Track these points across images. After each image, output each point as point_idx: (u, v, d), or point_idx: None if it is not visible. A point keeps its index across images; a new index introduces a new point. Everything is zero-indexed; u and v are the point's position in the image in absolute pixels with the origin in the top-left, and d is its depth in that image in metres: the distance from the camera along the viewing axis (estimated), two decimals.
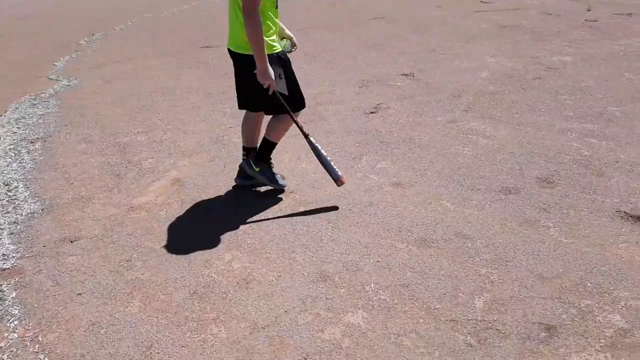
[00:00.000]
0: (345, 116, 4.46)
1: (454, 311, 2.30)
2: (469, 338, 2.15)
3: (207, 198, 3.31)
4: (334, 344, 2.15)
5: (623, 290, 2.36)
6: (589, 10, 7.98)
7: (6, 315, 2.42)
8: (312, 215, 3.06)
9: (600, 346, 2.08)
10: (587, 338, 2.12)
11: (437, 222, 2.94)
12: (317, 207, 3.15)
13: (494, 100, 4.63)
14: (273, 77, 2.87)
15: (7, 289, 2.59)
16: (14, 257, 2.84)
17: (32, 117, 4.88)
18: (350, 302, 2.38)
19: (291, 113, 3.06)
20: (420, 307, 2.33)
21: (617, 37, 6.47)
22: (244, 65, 2.96)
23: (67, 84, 5.84)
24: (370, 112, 4.50)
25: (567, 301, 2.32)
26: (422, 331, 2.20)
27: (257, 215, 3.10)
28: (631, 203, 3.02)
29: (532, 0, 8.83)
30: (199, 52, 6.64)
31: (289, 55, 3.13)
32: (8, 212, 3.29)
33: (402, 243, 2.78)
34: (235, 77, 3.17)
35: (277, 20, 2.98)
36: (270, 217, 3.08)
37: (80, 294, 2.53)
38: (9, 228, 3.11)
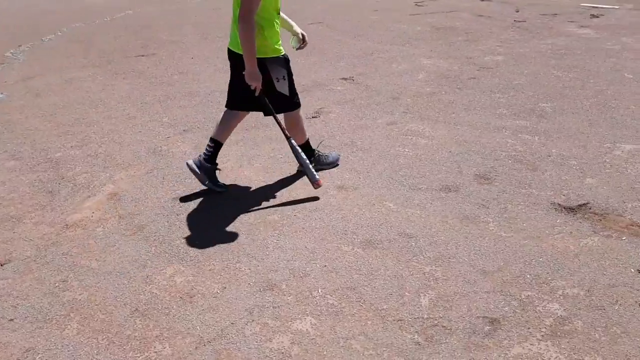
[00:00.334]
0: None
1: (400, 310, 2.31)
2: (416, 336, 2.17)
3: (146, 211, 3.21)
4: (282, 353, 2.12)
5: (560, 280, 2.45)
6: (518, 11, 8.32)
7: None
8: (257, 224, 3.02)
9: (541, 335, 2.14)
10: (528, 328, 2.18)
11: (381, 223, 2.96)
12: (264, 216, 3.11)
13: (432, 101, 4.73)
14: (260, 79, 3.00)
15: None
16: None
17: None
18: (298, 309, 2.35)
19: (275, 114, 3.18)
20: (367, 308, 2.34)
21: (544, 36, 6.77)
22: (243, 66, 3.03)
23: None
24: (312, 117, 4.50)
25: (508, 294, 2.38)
26: (370, 333, 2.20)
27: (199, 227, 3.02)
28: (564, 195, 3.14)
29: (464, 2, 9.11)
30: (134, 61, 6.45)
31: (298, 51, 3.48)
32: None
33: (348, 246, 2.78)
34: (232, 77, 3.26)
35: (279, 25, 3.12)
36: (213, 227, 3.01)
37: (12, 320, 2.38)
38: None
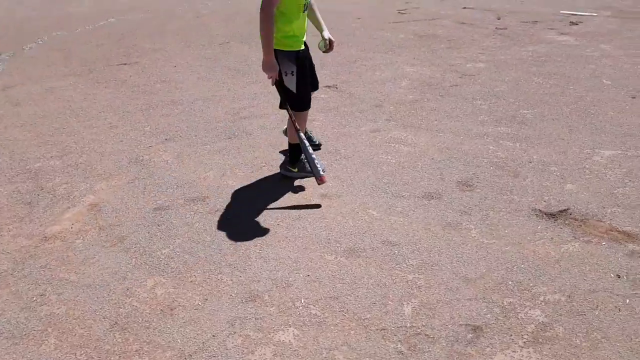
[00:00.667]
0: (271, 130, 4.43)
1: (383, 319, 2.30)
2: (399, 345, 2.16)
3: (126, 222, 3.17)
4: None
5: (541, 286, 2.46)
6: (499, 19, 8.41)
7: None
8: (239, 233, 3.00)
9: (524, 342, 2.15)
10: (511, 335, 2.18)
11: (364, 231, 2.96)
12: (247, 226, 3.09)
13: (414, 108, 4.76)
14: (277, 70, 3.15)
15: None
16: None
17: None
18: (281, 320, 2.33)
19: (289, 108, 3.30)
20: (350, 318, 2.32)
21: (525, 43, 6.85)
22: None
23: None
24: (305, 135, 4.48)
25: (490, 300, 2.39)
26: (353, 343, 2.19)
27: (181, 237, 2.99)
28: (545, 201, 3.17)
29: (446, 10, 9.20)
30: (115, 70, 6.41)
31: (324, 54, 3.59)
32: None
33: (331, 255, 2.77)
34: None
35: (303, 23, 3.24)
36: (195, 237, 2.98)
37: None
38: None
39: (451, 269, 2.61)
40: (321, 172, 3.27)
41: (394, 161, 3.76)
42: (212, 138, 4.30)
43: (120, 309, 2.45)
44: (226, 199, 3.37)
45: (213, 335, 2.26)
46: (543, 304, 2.35)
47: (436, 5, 9.63)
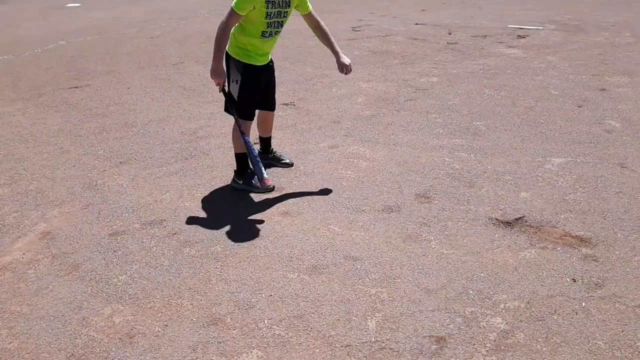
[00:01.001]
0: (229, 149, 4.37)
1: (348, 336, 2.29)
2: None
3: (81, 250, 3.06)
4: None
5: (501, 294, 2.50)
6: (450, 34, 8.64)
7: None
8: (199, 256, 2.94)
9: (486, 350, 2.17)
10: (474, 344, 2.20)
11: (326, 247, 2.95)
12: (206, 248, 3.03)
13: (371, 123, 4.81)
14: (223, 77, 3.35)
15: None
16: None
17: None
18: (244, 343, 2.29)
19: (235, 115, 3.47)
20: (315, 336, 2.30)
21: (476, 57, 7.05)
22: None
23: None
24: (254, 143, 4.46)
25: (453, 310, 2.41)
26: None
27: (138, 263, 2.91)
28: (500, 209, 3.24)
29: (398, 26, 9.39)
30: (66, 93, 6.24)
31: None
32: None
33: (294, 273, 2.75)
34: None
35: (263, 45, 3.44)
36: (153, 262, 2.90)
37: None
38: None
39: (413, 281, 2.62)
40: (265, 176, 3.37)
41: (353, 176, 3.78)
42: (168, 159, 4.23)
43: (77, 340, 2.36)
44: (184, 221, 3.31)
45: None
46: (504, 311, 2.39)
47: (389, 22, 9.83)
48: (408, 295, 2.53)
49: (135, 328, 2.41)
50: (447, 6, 11.43)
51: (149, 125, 5.05)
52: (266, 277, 2.72)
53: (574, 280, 2.57)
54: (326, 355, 2.19)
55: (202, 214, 3.38)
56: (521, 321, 2.32)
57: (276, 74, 3.82)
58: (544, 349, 2.16)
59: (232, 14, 3.20)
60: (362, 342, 2.25)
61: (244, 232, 3.16)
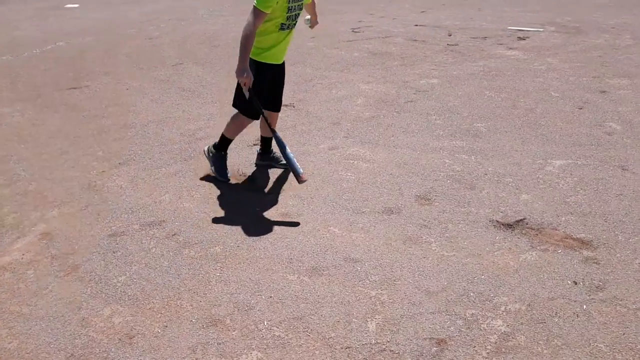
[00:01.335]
0: (228, 150, 4.38)
1: (348, 338, 2.28)
2: None
3: (80, 250, 3.05)
4: None
5: (502, 296, 2.50)
6: (450, 35, 8.64)
7: None
8: (198, 257, 2.93)
9: (487, 353, 2.16)
10: (474, 347, 2.20)
11: (326, 249, 2.94)
12: (206, 249, 3.02)
13: (371, 125, 4.80)
14: (250, 77, 3.31)
15: None
16: None
17: None
18: (244, 344, 2.28)
19: (264, 114, 3.54)
20: (315, 338, 2.29)
21: (476, 58, 7.05)
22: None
23: None
24: (253, 144, 4.46)
25: (453, 313, 2.40)
26: None
27: (138, 263, 2.90)
28: (501, 212, 3.23)
29: (398, 28, 9.39)
30: (65, 94, 6.23)
31: (307, 27, 3.90)
32: None
33: (294, 274, 2.74)
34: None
35: (277, 39, 3.44)
36: (152, 263, 2.89)
37: None
38: None
39: (413, 283, 2.61)
40: (300, 171, 3.40)
41: (353, 178, 3.77)
42: (167, 160, 4.22)
43: (76, 340, 2.35)
44: (183, 222, 3.30)
45: None
46: (504, 313, 2.38)
47: (388, 23, 9.83)
48: (408, 297, 2.52)
49: (135, 329, 2.40)
50: (446, 7, 11.43)
51: (148, 126, 5.04)
52: (266, 279, 2.71)
53: (575, 283, 2.56)
54: (326, 357, 2.18)
55: (202, 215, 3.37)
56: (522, 323, 2.31)
57: None
58: (545, 351, 2.15)
59: (258, 13, 3.21)
60: (362, 344, 2.24)
61: (244, 233, 3.15)
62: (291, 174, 3.88)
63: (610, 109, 4.92)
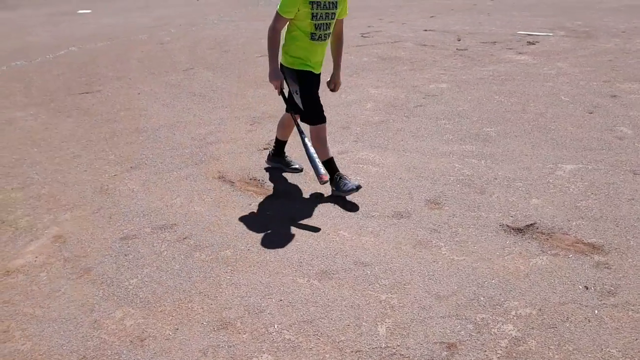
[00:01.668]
0: (239, 154, 4.41)
1: (358, 341, 2.29)
2: None
3: (92, 253, 3.08)
4: None
5: (513, 300, 2.49)
6: (459, 40, 8.64)
7: None
8: (209, 260, 2.95)
9: (498, 357, 2.16)
10: (485, 351, 2.19)
11: (336, 253, 2.95)
12: (216, 252, 3.04)
13: (380, 129, 4.81)
14: (280, 79, 3.42)
15: None
16: None
17: None
18: (254, 347, 2.29)
19: (293, 114, 3.58)
20: (325, 342, 2.30)
21: (485, 63, 7.04)
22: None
23: None
24: (264, 149, 4.48)
25: (463, 317, 2.40)
26: None
27: (149, 267, 2.93)
28: (512, 216, 3.22)
29: (407, 33, 9.40)
30: (78, 99, 6.30)
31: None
32: None
33: (304, 278, 2.75)
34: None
35: (312, 50, 3.47)
36: (164, 266, 2.92)
37: None
38: None
39: (423, 287, 2.61)
40: (322, 171, 3.40)
41: (363, 181, 3.78)
42: (179, 164, 4.25)
43: (89, 342, 2.37)
44: (194, 226, 3.32)
45: None
46: (515, 318, 2.38)
47: (397, 28, 9.84)
48: (418, 301, 2.52)
49: (146, 331, 2.42)
50: (455, 12, 11.43)
51: (159, 130, 5.08)
52: (276, 282, 2.73)
53: (587, 288, 2.55)
54: None
55: (212, 219, 3.39)
56: (533, 328, 2.31)
57: None
58: (556, 356, 2.15)
59: (278, 18, 3.30)
60: (373, 348, 2.24)
61: (254, 236, 3.17)
62: (299, 176, 3.90)
63: (621, 113, 4.90)
